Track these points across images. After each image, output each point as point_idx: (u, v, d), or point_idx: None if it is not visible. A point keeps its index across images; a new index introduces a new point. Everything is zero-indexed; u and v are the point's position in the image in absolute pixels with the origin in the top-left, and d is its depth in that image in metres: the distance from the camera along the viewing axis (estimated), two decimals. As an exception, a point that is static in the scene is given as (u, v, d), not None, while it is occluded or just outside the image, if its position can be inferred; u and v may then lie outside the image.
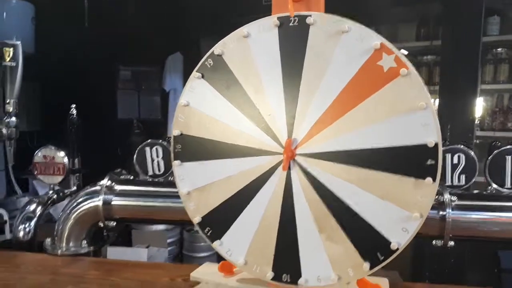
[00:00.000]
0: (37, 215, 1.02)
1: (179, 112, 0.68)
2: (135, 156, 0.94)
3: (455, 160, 0.82)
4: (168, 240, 2.59)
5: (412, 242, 0.57)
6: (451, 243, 0.80)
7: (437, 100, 2.37)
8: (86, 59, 2.93)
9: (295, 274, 0.62)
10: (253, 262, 0.65)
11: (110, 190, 0.95)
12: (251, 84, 0.64)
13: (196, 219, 0.67)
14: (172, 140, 0.68)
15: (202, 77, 0.66)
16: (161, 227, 2.60)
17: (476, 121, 2.54)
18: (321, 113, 0.60)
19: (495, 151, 0.82)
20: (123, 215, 0.95)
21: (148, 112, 3.57)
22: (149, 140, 0.94)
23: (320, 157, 0.60)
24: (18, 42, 1.05)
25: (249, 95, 0.64)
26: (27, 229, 1.01)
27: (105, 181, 0.95)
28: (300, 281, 0.62)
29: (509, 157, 0.81)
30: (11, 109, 1.05)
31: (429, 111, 0.55)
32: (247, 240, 0.65)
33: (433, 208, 0.68)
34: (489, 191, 0.83)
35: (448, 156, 0.82)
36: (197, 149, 0.67)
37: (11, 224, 1.80)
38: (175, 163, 0.68)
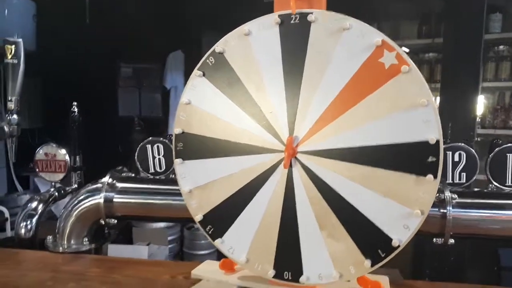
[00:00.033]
0: (39, 213, 1.02)
1: (180, 110, 0.68)
2: (136, 153, 0.94)
3: (456, 158, 0.82)
4: (169, 238, 2.60)
5: (413, 240, 0.57)
6: (452, 241, 0.80)
7: (439, 98, 2.37)
8: (87, 57, 2.94)
9: (297, 272, 0.62)
10: (254, 260, 0.65)
11: (111, 187, 0.95)
12: (252, 82, 0.64)
13: (198, 217, 0.68)
14: (173, 138, 0.68)
15: (203, 75, 0.66)
16: (161, 225, 2.61)
17: (477, 119, 2.53)
18: (322, 110, 0.60)
19: (496, 149, 0.82)
20: (125, 213, 0.95)
21: (149, 109, 3.57)
22: (150, 138, 0.94)
23: (322, 155, 0.60)
24: (20, 40, 1.05)
25: (251, 93, 0.64)
26: (29, 227, 1.01)
27: (107, 179, 0.95)
28: (302, 278, 0.62)
29: (510, 155, 0.81)
30: (13, 107, 1.05)
31: (430, 108, 0.55)
32: (249, 238, 0.65)
33: (433, 206, 0.68)
34: (490, 189, 0.83)
35: (449, 154, 0.82)
36: (199, 147, 0.67)
37: (12, 222, 1.80)
38: (177, 161, 0.68)
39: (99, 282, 0.78)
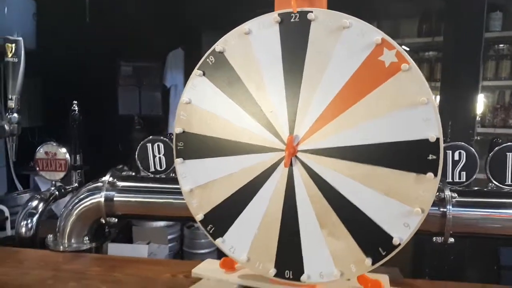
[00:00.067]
0: (39, 211, 1.02)
1: (181, 109, 0.68)
2: (137, 152, 0.94)
3: (456, 157, 0.82)
4: (169, 237, 2.60)
5: (413, 239, 0.57)
6: (451, 239, 0.80)
7: (438, 97, 2.37)
8: (87, 55, 2.93)
9: (298, 271, 0.62)
10: (255, 259, 0.65)
11: (112, 186, 0.95)
12: (252, 81, 0.64)
13: (199, 217, 0.68)
14: (174, 137, 0.68)
15: (204, 74, 0.67)
16: (161, 223, 2.61)
17: (477, 118, 2.53)
18: (322, 109, 0.60)
19: (496, 148, 0.82)
20: (125, 212, 0.95)
21: (149, 108, 3.57)
22: (150, 137, 0.94)
23: (322, 153, 0.60)
24: (20, 38, 1.05)
25: (251, 92, 0.64)
26: (29, 225, 1.01)
27: (107, 177, 0.95)
28: (303, 277, 0.62)
29: (510, 154, 0.81)
30: (13, 105, 1.05)
31: (430, 106, 0.55)
32: (250, 237, 0.65)
33: (433, 204, 0.68)
34: (489, 188, 0.83)
35: (449, 152, 0.82)
36: (199, 147, 0.67)
37: (12, 221, 1.80)
38: (177, 161, 0.68)
39: (100, 281, 0.78)
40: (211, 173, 0.66)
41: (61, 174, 1.05)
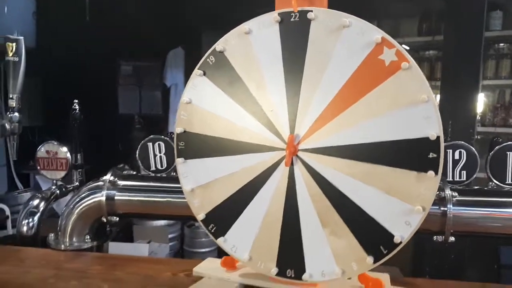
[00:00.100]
0: (41, 210, 1.02)
1: (181, 109, 0.68)
2: (137, 151, 0.95)
3: (456, 156, 0.82)
4: (169, 236, 2.60)
5: (413, 238, 0.58)
6: (452, 239, 0.80)
7: (439, 96, 2.37)
8: (87, 54, 2.94)
9: (299, 269, 0.63)
10: (257, 258, 0.65)
11: (113, 185, 0.95)
12: (253, 80, 0.64)
13: (200, 216, 0.68)
14: (175, 137, 0.69)
15: (204, 74, 0.67)
16: (162, 222, 2.62)
17: (478, 117, 2.53)
18: (323, 108, 0.60)
19: (496, 147, 0.82)
20: (126, 210, 0.96)
21: (149, 107, 3.57)
22: (151, 136, 0.94)
23: (323, 152, 0.61)
24: (21, 37, 1.05)
25: (251, 92, 0.64)
26: (31, 224, 1.01)
27: (108, 176, 0.96)
28: (304, 276, 0.62)
29: (510, 153, 0.81)
30: (14, 104, 1.06)
31: (431, 104, 0.55)
32: (251, 236, 0.65)
33: (434, 203, 0.68)
34: (490, 187, 0.83)
35: (449, 152, 0.82)
36: (200, 146, 0.67)
37: (13, 220, 1.80)
38: (179, 161, 0.69)
39: (101, 280, 0.79)
40: (212, 173, 0.67)
41: (62, 173, 1.05)
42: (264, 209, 0.64)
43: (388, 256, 0.58)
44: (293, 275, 0.63)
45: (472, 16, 2.28)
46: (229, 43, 0.65)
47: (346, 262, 0.60)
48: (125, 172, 1.00)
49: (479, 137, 2.49)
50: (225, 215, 0.66)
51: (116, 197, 0.94)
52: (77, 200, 0.96)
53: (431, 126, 0.55)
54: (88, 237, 0.97)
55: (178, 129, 0.68)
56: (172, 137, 0.71)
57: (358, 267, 0.60)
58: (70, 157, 1.04)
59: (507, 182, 0.82)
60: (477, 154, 0.82)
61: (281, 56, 0.62)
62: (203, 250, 2.72)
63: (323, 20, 0.59)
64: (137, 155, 0.95)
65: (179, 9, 3.00)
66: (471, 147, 0.82)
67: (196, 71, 0.67)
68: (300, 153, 0.62)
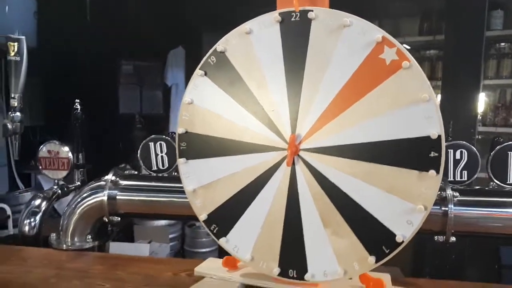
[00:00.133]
0: (42, 210, 1.02)
1: (183, 110, 0.68)
2: (139, 151, 0.95)
3: (458, 156, 0.82)
4: (170, 236, 2.60)
5: (413, 238, 0.58)
6: (453, 238, 0.80)
7: (439, 95, 2.37)
8: (88, 54, 2.93)
9: (301, 269, 0.63)
10: (259, 258, 0.65)
11: (115, 185, 0.95)
12: (254, 80, 0.64)
13: (202, 217, 0.68)
14: (176, 138, 0.69)
15: (205, 74, 0.67)
16: (163, 222, 2.62)
17: (479, 117, 2.53)
18: (324, 107, 0.60)
19: (497, 147, 0.82)
20: (128, 210, 0.96)
21: (150, 107, 3.57)
22: (153, 136, 0.95)
23: (324, 152, 0.61)
24: (23, 37, 1.06)
25: (252, 91, 0.64)
26: (33, 224, 1.01)
27: (110, 176, 0.96)
28: (307, 276, 0.62)
29: (511, 153, 0.81)
30: (16, 104, 1.06)
31: (432, 103, 0.55)
32: (253, 236, 0.65)
33: (435, 203, 0.68)
34: (491, 187, 0.83)
35: (451, 151, 0.82)
36: (202, 147, 0.67)
37: (14, 219, 1.81)
38: (180, 161, 0.69)
39: (103, 279, 0.79)
40: (214, 173, 0.67)
41: (64, 173, 1.05)
42: (266, 209, 0.64)
43: (390, 256, 0.58)
44: (295, 275, 0.63)
45: (473, 16, 2.28)
46: (230, 43, 0.65)
47: (348, 262, 0.60)
48: (126, 172, 1.00)
49: (480, 137, 2.49)
50: (227, 215, 0.67)
51: (117, 197, 0.94)
52: (79, 200, 0.97)
53: (432, 125, 0.55)
54: (90, 237, 0.98)
55: (180, 130, 0.68)
56: (174, 137, 0.71)
57: (360, 267, 0.60)
58: (71, 156, 1.04)
59: (508, 182, 0.82)
60: (478, 154, 0.82)
61: (282, 56, 0.62)
62: (204, 250, 2.72)
63: (323, 20, 0.60)
64: (138, 155, 0.95)
65: (180, 9, 3.00)
66: (472, 147, 0.82)
67: (198, 72, 0.67)
68: (301, 153, 0.62)
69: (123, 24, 2.79)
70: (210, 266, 0.74)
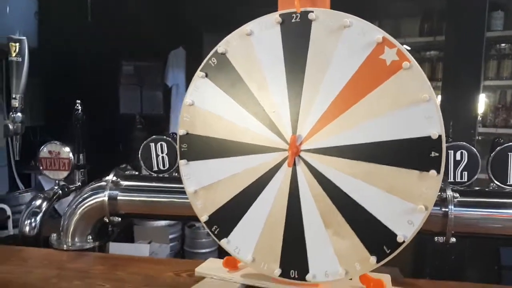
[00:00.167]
0: (43, 210, 1.02)
1: (184, 111, 0.68)
2: (140, 151, 0.95)
3: (458, 157, 0.82)
4: (170, 236, 2.60)
5: (413, 238, 0.58)
6: (453, 239, 0.80)
7: (440, 96, 2.37)
8: (88, 54, 2.94)
9: (303, 270, 0.63)
10: (260, 259, 0.65)
11: (115, 185, 0.95)
12: (255, 81, 0.64)
13: (204, 218, 0.68)
14: (178, 139, 0.69)
15: (206, 76, 0.67)
16: (163, 223, 2.62)
17: (479, 118, 2.53)
18: (324, 108, 0.61)
19: (497, 148, 0.82)
20: (129, 211, 0.96)
21: (150, 107, 3.57)
22: (154, 136, 0.95)
23: (325, 153, 0.61)
24: (24, 38, 1.06)
25: (253, 93, 0.65)
26: (33, 224, 1.01)
27: (111, 177, 0.96)
28: (308, 276, 0.62)
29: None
30: (17, 104, 1.06)
31: (432, 103, 0.55)
32: (254, 237, 0.65)
33: (435, 204, 0.68)
34: (491, 188, 0.84)
35: (451, 152, 0.82)
36: (203, 148, 0.67)
37: (14, 220, 1.81)
38: (182, 162, 0.69)
39: (104, 279, 0.79)
40: (215, 174, 0.67)
41: (65, 173, 1.05)
42: (267, 210, 0.64)
43: (391, 256, 0.58)
44: (296, 276, 0.63)
45: (474, 16, 2.28)
46: (231, 45, 0.65)
47: (349, 262, 0.60)
48: (127, 173, 1.00)
49: (480, 138, 2.49)
50: (228, 216, 0.67)
51: (118, 197, 0.95)
52: (80, 200, 0.97)
53: (432, 125, 0.55)
54: (90, 237, 0.98)
55: (180, 131, 0.68)
56: (175, 137, 0.71)
57: (361, 267, 0.60)
58: (72, 157, 1.04)
59: (508, 183, 0.82)
60: (478, 155, 0.82)
61: (283, 57, 0.62)
62: (204, 250, 2.72)
63: (324, 21, 0.60)
64: (139, 155, 0.95)
65: (180, 9, 3.00)
66: (473, 148, 0.82)
67: (198, 73, 0.67)
68: (302, 154, 0.62)
69: (123, 25, 2.80)
70: (211, 267, 0.74)
